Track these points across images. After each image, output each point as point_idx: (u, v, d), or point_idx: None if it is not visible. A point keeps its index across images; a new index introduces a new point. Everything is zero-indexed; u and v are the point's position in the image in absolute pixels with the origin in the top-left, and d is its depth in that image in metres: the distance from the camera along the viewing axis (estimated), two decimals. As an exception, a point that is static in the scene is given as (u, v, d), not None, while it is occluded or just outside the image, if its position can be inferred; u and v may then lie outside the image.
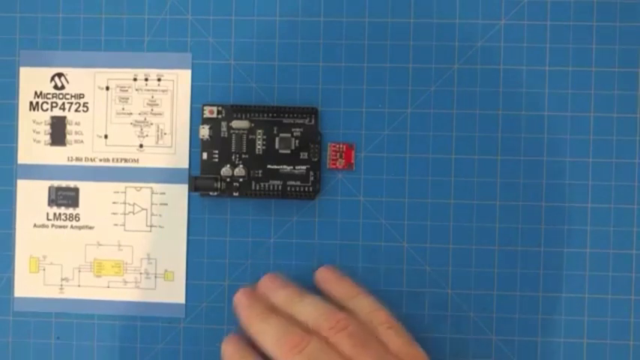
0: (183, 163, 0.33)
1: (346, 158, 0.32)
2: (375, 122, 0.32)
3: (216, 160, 0.32)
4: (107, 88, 0.33)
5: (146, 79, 0.33)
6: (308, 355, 0.26)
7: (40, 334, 0.33)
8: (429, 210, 0.32)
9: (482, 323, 0.32)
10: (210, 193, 0.32)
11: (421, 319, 0.32)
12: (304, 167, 0.32)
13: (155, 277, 0.33)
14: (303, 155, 0.32)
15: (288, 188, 0.32)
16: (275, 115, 0.32)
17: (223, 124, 0.32)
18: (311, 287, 0.32)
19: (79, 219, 0.33)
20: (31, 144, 0.33)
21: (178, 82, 0.33)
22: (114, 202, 0.33)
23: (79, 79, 0.33)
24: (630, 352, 0.32)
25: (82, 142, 0.33)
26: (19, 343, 0.33)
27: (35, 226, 0.33)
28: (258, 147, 0.32)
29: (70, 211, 0.33)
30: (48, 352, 0.33)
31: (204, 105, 0.32)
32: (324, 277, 0.31)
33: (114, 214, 0.33)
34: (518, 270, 0.32)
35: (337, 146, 0.32)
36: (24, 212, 0.33)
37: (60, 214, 0.33)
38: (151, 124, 0.33)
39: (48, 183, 0.33)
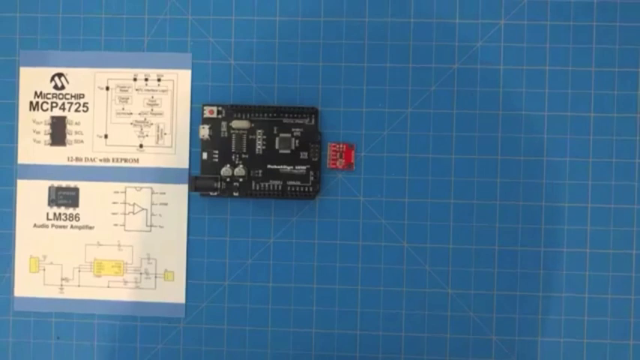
0: (183, 163, 0.33)
1: (346, 158, 0.32)
2: (375, 122, 0.32)
3: (216, 160, 0.32)
4: (107, 88, 0.33)
5: (146, 79, 0.33)
6: None
7: (40, 334, 0.33)
8: (429, 210, 0.32)
9: (482, 323, 0.32)
10: (210, 193, 0.32)
11: (421, 319, 0.32)
12: (304, 167, 0.32)
13: (155, 277, 0.33)
14: (303, 155, 0.32)
15: (288, 188, 0.32)
16: (275, 115, 0.32)
17: (223, 124, 0.32)
18: (310, 284, 0.32)
19: (79, 219, 0.33)
20: (31, 144, 0.33)
21: (178, 82, 0.33)
22: (114, 202, 0.33)
23: (79, 79, 0.33)
24: (630, 352, 0.32)
25: (82, 142, 0.33)
26: (19, 343, 0.33)
27: (35, 226, 0.33)
28: (258, 147, 0.32)
29: (70, 211, 0.33)
30: (48, 352, 0.33)
31: (204, 105, 0.32)
32: None
33: (114, 214, 0.33)
34: (518, 270, 0.32)
35: (337, 146, 0.32)
36: (24, 212, 0.33)
37: (60, 214, 0.33)
38: (151, 124, 0.33)
39: (48, 183, 0.33)
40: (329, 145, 0.32)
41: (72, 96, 0.33)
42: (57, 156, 0.33)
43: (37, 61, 0.33)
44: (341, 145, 0.32)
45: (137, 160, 0.33)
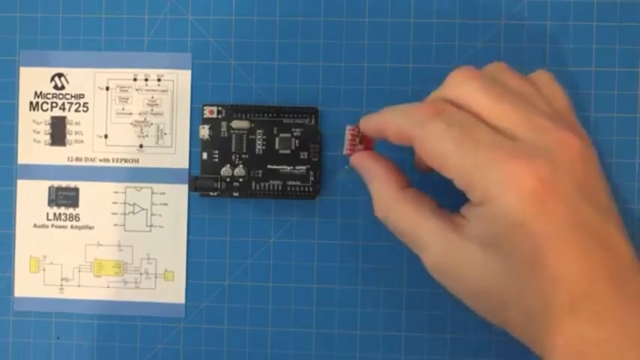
0: (183, 163, 0.33)
1: (365, 144, 0.29)
2: (375, 122, 0.32)
3: (216, 160, 0.32)
4: (107, 88, 0.33)
5: (146, 79, 0.33)
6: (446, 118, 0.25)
7: (40, 334, 0.33)
8: (429, 210, 0.32)
9: (482, 323, 0.32)
10: (210, 193, 0.32)
11: (421, 318, 0.32)
12: (304, 167, 0.32)
13: (155, 277, 0.33)
14: (303, 155, 0.32)
15: (288, 188, 0.32)
16: (275, 115, 0.32)
17: (223, 124, 0.32)
18: (310, 284, 0.32)
19: (79, 219, 0.33)
20: (31, 144, 0.33)
21: (178, 82, 0.33)
22: (114, 202, 0.33)
23: (79, 79, 0.33)
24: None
25: (82, 142, 0.33)
26: (19, 343, 0.33)
27: (35, 226, 0.33)
28: (258, 147, 0.32)
29: (70, 211, 0.33)
30: (48, 352, 0.33)
31: (204, 105, 0.32)
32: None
33: (114, 214, 0.33)
34: (519, 270, 0.32)
35: (356, 130, 0.29)
36: (24, 212, 0.33)
37: (60, 214, 0.33)
38: (151, 124, 0.33)
39: (48, 183, 0.33)
40: (348, 128, 0.29)
41: (72, 96, 0.33)
42: (57, 156, 0.33)
43: (37, 61, 0.33)
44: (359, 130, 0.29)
45: (137, 160, 0.33)
